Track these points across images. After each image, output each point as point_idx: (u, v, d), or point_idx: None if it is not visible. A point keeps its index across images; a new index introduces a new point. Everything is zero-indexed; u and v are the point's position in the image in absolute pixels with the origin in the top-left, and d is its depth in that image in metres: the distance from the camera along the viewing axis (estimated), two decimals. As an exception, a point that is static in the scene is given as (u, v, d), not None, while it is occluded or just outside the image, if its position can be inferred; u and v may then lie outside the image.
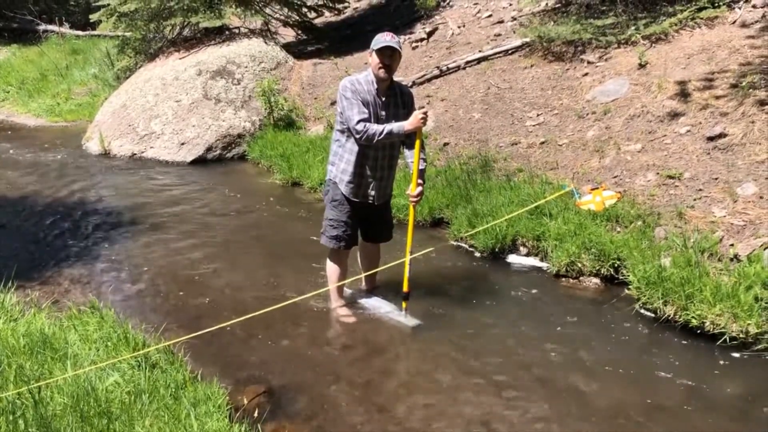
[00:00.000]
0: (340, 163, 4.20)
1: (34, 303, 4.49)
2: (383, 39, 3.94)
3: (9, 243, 5.94)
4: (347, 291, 4.64)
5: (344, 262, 4.44)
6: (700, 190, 5.00)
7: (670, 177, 5.23)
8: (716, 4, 6.98)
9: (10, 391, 3.08)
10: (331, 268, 4.43)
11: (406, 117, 4.05)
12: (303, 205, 6.80)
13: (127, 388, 3.25)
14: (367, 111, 4.01)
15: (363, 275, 4.63)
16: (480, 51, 8.71)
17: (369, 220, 4.44)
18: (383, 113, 4.09)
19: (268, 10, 11.58)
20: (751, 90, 5.59)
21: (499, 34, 9.23)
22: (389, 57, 3.97)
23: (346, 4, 13.59)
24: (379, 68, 3.98)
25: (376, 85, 4.06)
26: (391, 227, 4.60)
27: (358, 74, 4.16)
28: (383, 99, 4.08)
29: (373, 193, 4.24)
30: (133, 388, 3.24)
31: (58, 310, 4.41)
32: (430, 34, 10.31)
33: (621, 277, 4.65)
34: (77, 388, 3.13)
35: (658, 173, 5.35)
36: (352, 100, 3.99)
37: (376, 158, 4.16)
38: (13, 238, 6.11)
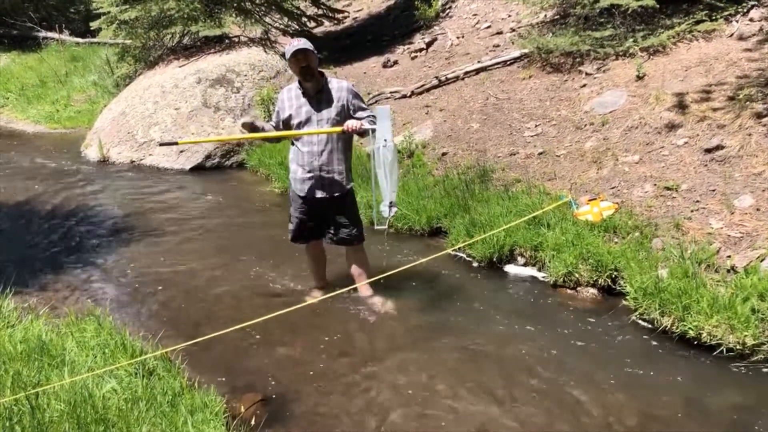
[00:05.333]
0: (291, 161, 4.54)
1: (31, 309, 4.48)
2: (291, 46, 4.21)
3: (7, 249, 5.94)
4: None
5: (310, 254, 4.80)
6: (698, 201, 5.02)
7: (668, 188, 5.25)
8: (714, 18, 7.02)
9: (7, 397, 3.08)
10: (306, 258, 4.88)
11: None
12: (301, 214, 6.80)
13: (125, 395, 3.25)
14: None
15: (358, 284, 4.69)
16: (479, 62, 8.75)
17: (326, 221, 4.56)
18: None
19: (268, 20, 11.62)
20: (748, 102, 5.63)
21: (498, 45, 9.28)
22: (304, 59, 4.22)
23: (346, 14, 13.67)
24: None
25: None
26: (350, 229, 4.55)
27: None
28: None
29: (315, 185, 4.41)
30: (130, 395, 3.24)
31: (56, 316, 4.40)
32: (429, 44, 10.36)
33: (618, 288, 4.66)
34: (74, 394, 3.13)
35: (655, 184, 5.37)
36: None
37: (312, 153, 4.34)
38: (11, 243, 6.11)
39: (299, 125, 4.33)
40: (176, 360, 3.78)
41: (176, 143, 4.63)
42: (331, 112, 4.30)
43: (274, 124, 4.50)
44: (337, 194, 4.43)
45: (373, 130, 4.07)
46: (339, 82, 4.42)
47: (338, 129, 4.21)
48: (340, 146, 4.37)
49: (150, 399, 3.23)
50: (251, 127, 4.32)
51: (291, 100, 4.38)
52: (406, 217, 5.99)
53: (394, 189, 4.04)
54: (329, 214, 4.52)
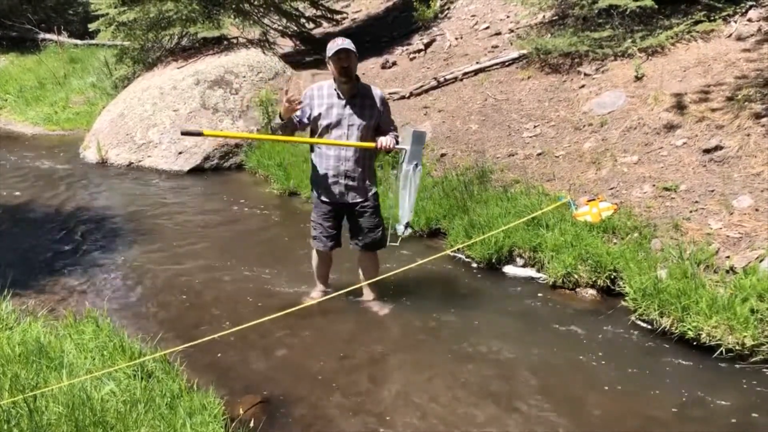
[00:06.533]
0: (314, 166, 4.42)
1: (29, 311, 4.48)
2: (335, 44, 4.09)
3: (5, 250, 5.93)
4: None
5: (323, 259, 4.70)
6: (697, 202, 5.02)
7: (667, 189, 5.25)
8: (712, 18, 7.03)
9: (5, 399, 3.07)
10: (313, 259, 4.78)
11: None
12: (299, 215, 6.78)
13: (123, 397, 3.24)
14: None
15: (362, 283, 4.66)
16: (477, 62, 8.75)
17: (351, 224, 4.51)
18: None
19: (266, 21, 11.63)
20: (746, 103, 5.63)
21: (497, 46, 9.28)
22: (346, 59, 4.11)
23: (345, 15, 13.67)
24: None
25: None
26: (374, 234, 4.49)
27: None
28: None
29: (340, 191, 4.34)
30: (128, 398, 3.23)
31: (54, 318, 4.39)
32: (427, 45, 10.36)
33: (617, 289, 4.66)
34: (73, 397, 3.12)
35: (654, 185, 5.37)
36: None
37: (338, 158, 4.27)
38: (9, 245, 6.09)
39: (328, 127, 4.21)
40: (175, 362, 3.77)
41: (201, 134, 4.22)
42: (363, 118, 4.19)
43: (298, 120, 4.23)
44: (361, 200, 4.38)
45: (405, 151, 4.07)
46: (374, 89, 4.32)
47: (371, 144, 4.16)
48: (366, 153, 4.30)
49: (149, 401, 3.22)
50: (288, 123, 4.15)
51: (322, 98, 4.22)
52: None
53: (412, 209, 4.13)
54: (353, 219, 4.46)
